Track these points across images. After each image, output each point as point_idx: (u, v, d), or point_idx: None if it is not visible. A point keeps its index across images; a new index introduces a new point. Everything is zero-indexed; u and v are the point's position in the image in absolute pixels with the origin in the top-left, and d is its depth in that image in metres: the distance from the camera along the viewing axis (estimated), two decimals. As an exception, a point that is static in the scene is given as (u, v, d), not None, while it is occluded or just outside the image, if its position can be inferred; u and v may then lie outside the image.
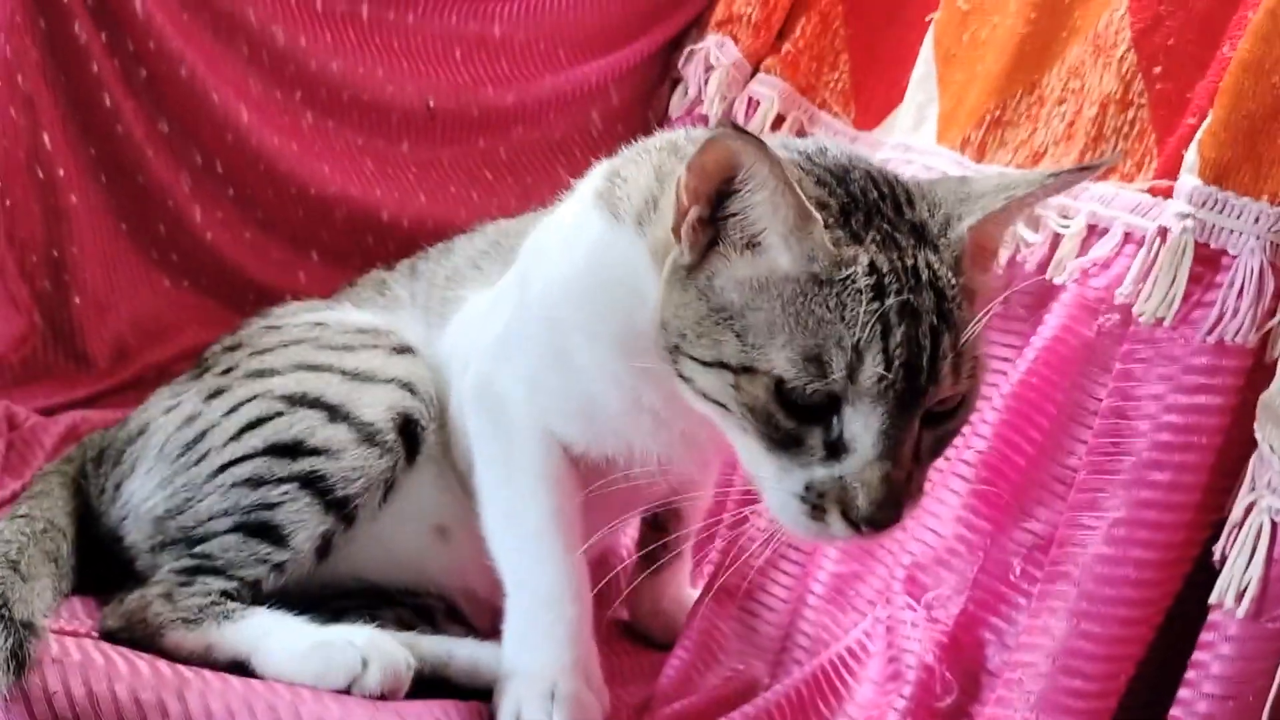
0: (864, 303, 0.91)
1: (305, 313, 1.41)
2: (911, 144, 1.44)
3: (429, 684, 1.16)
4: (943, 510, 1.13)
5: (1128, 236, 1.20)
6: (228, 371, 1.30)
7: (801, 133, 1.83)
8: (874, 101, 1.67)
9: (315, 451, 1.20)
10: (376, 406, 1.23)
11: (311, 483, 1.19)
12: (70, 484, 1.32)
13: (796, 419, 0.93)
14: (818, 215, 0.93)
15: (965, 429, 1.12)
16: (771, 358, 0.93)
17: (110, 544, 1.27)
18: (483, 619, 1.30)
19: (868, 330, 0.91)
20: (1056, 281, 1.24)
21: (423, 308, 1.37)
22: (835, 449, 0.93)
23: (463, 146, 2.03)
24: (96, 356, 1.75)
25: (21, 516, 1.22)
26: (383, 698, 1.09)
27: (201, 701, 1.02)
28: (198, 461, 1.23)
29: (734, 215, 0.96)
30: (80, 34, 1.74)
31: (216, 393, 1.27)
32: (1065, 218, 1.26)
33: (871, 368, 0.91)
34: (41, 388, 1.68)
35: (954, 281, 0.95)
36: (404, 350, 1.31)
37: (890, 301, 0.92)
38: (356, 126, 1.97)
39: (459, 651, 1.21)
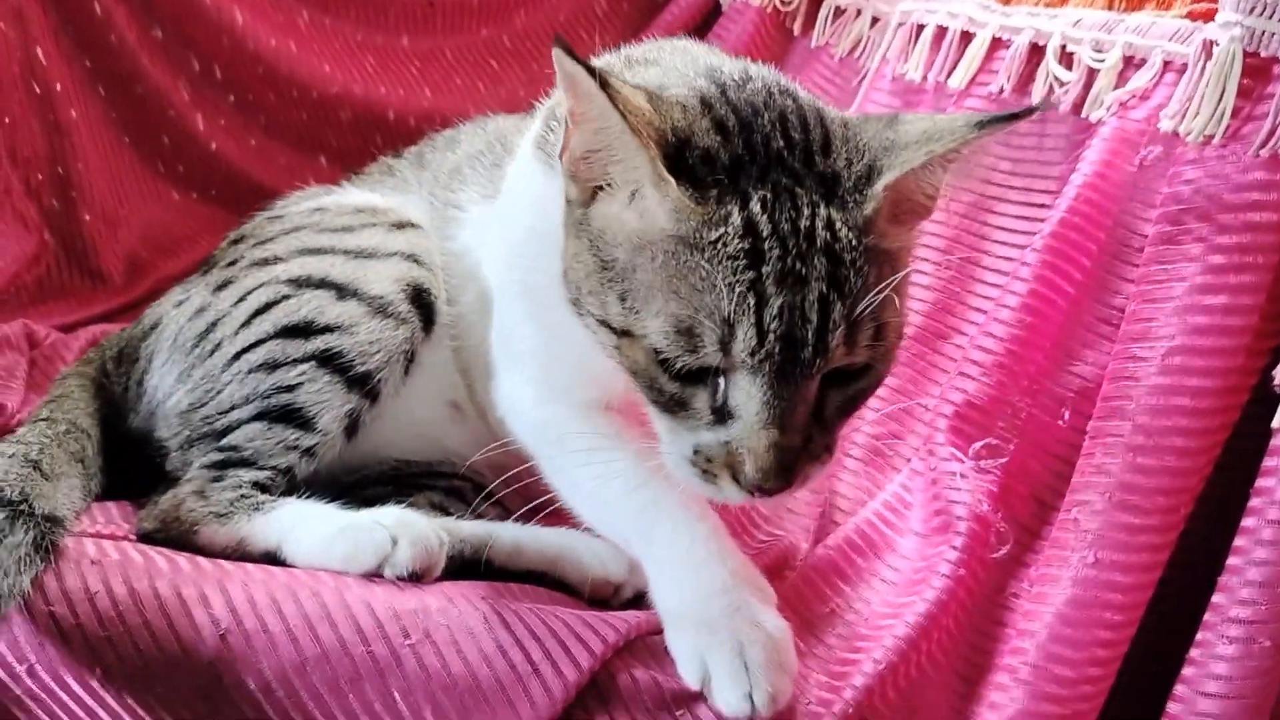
0: (736, 270, 0.85)
1: (305, 200, 1.39)
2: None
3: (473, 568, 1.14)
4: (985, 358, 1.09)
5: (1167, 65, 1.14)
6: (233, 264, 1.29)
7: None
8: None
9: (328, 329, 1.18)
10: (384, 280, 1.21)
11: (329, 360, 1.18)
12: (90, 385, 1.31)
13: (679, 383, 0.89)
14: (669, 177, 0.87)
15: (1005, 272, 1.09)
16: (646, 325, 0.88)
17: (140, 444, 1.26)
18: (513, 496, 1.22)
19: (738, 302, 0.85)
20: (1093, 119, 1.19)
21: (429, 196, 1.33)
22: (721, 414, 0.89)
23: (465, 37, 1.98)
24: (110, 272, 1.72)
25: (43, 420, 1.22)
26: (416, 578, 1.06)
27: (244, 592, 1.00)
28: (212, 352, 1.22)
29: (598, 149, 0.89)
30: (67, -59, 1.69)
31: (224, 284, 1.26)
32: (1099, 51, 1.20)
33: (744, 341, 0.85)
34: (58, 306, 1.66)
35: (857, 242, 0.87)
36: (405, 225, 1.28)
37: (767, 268, 0.85)
38: (355, 21, 1.92)
39: (502, 533, 1.19)
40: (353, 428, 1.19)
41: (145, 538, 1.14)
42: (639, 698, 0.98)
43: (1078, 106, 1.22)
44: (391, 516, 1.09)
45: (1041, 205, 1.19)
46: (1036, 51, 1.28)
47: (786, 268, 0.85)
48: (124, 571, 1.02)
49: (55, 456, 1.14)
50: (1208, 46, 1.03)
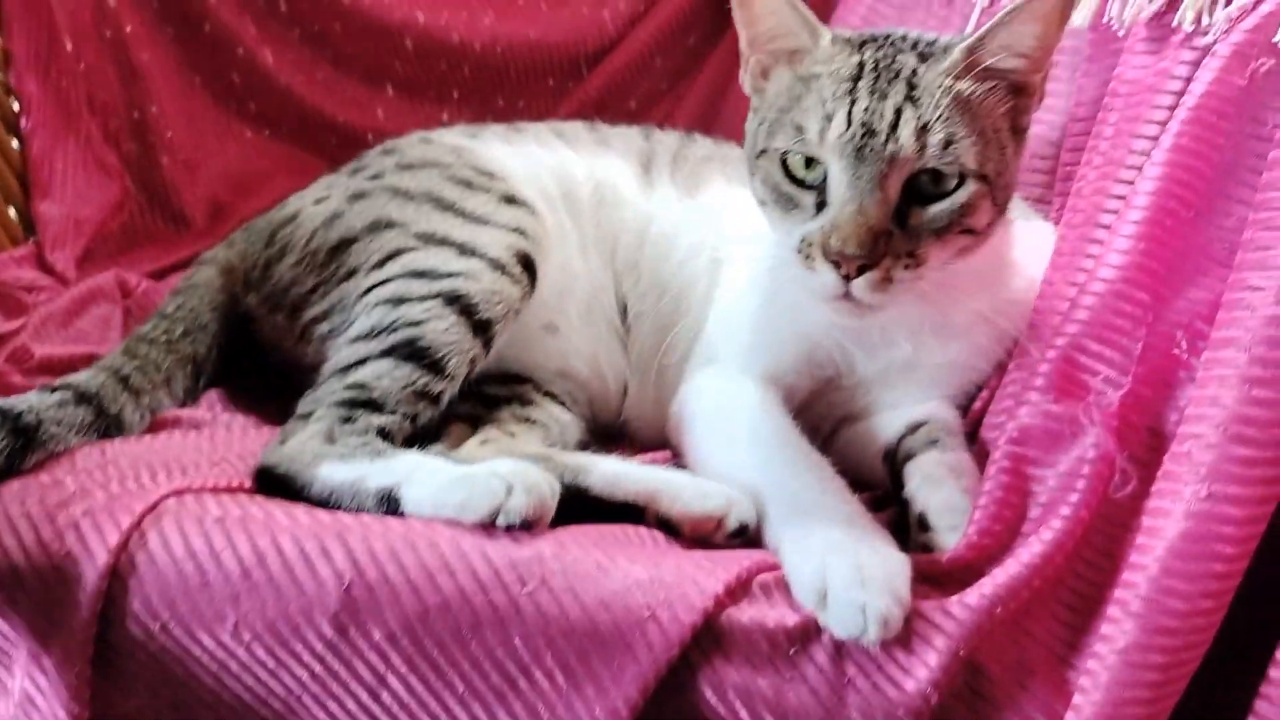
0: (839, 85, 1.14)
1: (453, 136, 1.48)
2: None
3: (569, 502, 1.15)
4: (1101, 288, 1.08)
5: None
6: (375, 177, 1.39)
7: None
8: None
9: (453, 274, 1.25)
10: (497, 245, 1.29)
11: (455, 299, 1.24)
12: (221, 275, 1.43)
13: (794, 183, 1.15)
14: (822, 28, 1.17)
15: (1119, 195, 1.07)
16: (777, 138, 1.16)
17: (250, 318, 1.41)
18: (579, 403, 1.42)
19: (837, 100, 1.13)
20: (1196, 38, 1.15)
21: (642, 163, 1.49)
22: (821, 206, 1.13)
23: (527, -44, 1.95)
24: (193, 215, 1.75)
25: (164, 317, 1.38)
26: (527, 526, 1.07)
27: (365, 545, 1.03)
28: (347, 276, 1.30)
29: (767, 39, 1.19)
30: (125, -125, 1.68)
31: (360, 195, 1.36)
32: None
33: (837, 127, 1.11)
34: (145, 253, 1.68)
35: (935, 81, 1.13)
36: (512, 200, 1.35)
37: (862, 83, 1.13)
38: (416, -54, 1.90)
39: (600, 463, 1.20)
40: (471, 374, 1.25)
41: (267, 470, 1.17)
42: (753, 637, 1.00)
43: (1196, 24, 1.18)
44: (506, 466, 1.10)
45: (1154, 138, 1.16)
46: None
47: (874, 87, 1.13)
48: (246, 528, 1.05)
49: (154, 367, 1.31)
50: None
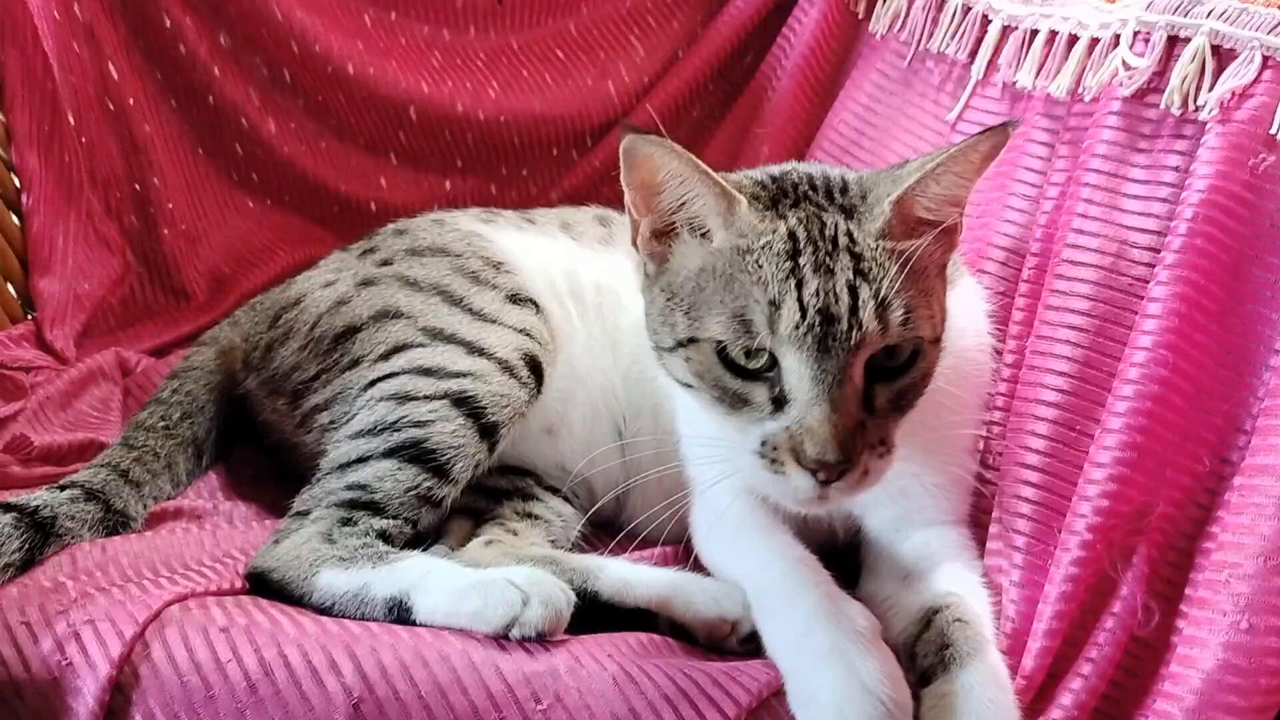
0: (778, 263, 1.03)
1: (467, 220, 1.45)
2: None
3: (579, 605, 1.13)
4: (1121, 405, 1.06)
5: (1266, 61, 1.09)
6: (386, 263, 1.36)
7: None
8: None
9: (461, 374, 1.23)
10: (506, 346, 1.27)
11: (462, 402, 1.21)
12: (218, 357, 1.43)
13: (741, 378, 1.04)
14: (739, 195, 1.06)
15: (1136, 312, 1.06)
16: (709, 325, 1.05)
17: (246, 397, 1.40)
18: (580, 495, 1.38)
19: (781, 285, 1.02)
20: (1185, 125, 1.14)
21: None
22: (779, 402, 1.02)
23: (531, 29, 1.94)
24: (194, 289, 1.72)
25: (163, 403, 1.37)
26: (541, 637, 1.05)
27: (374, 658, 1.01)
28: (350, 366, 1.28)
29: (671, 208, 1.08)
30: (130, -48, 1.67)
31: (368, 282, 1.34)
32: (1176, 38, 1.15)
33: (789, 316, 1.01)
34: (146, 328, 1.66)
35: (875, 245, 1.04)
36: (520, 299, 1.33)
37: (804, 259, 1.03)
38: (420, 18, 1.89)
39: (609, 567, 1.19)
40: (474, 477, 1.23)
41: (261, 575, 1.15)
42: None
43: (1142, 93, 1.17)
44: (521, 574, 1.09)
45: (1153, 249, 1.13)
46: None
47: (818, 261, 1.03)
48: (252, 638, 1.02)
49: (152, 456, 1.30)
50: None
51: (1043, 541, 1.08)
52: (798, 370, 1.01)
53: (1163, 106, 1.14)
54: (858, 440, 1.01)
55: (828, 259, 1.03)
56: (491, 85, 1.92)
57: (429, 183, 1.92)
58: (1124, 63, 1.18)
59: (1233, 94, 1.10)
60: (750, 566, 1.14)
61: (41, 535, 1.11)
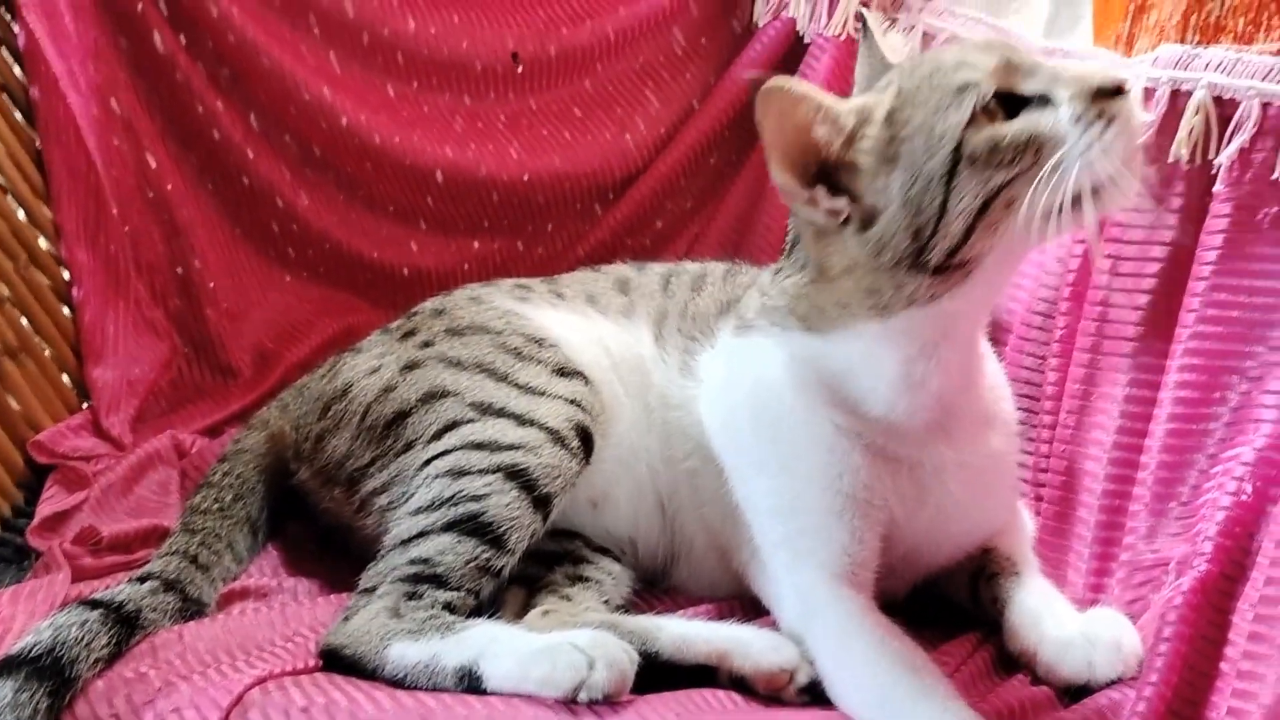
0: (927, 63, 1.13)
1: (502, 297, 1.47)
2: (1069, 48, 1.36)
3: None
4: (1147, 459, 1.09)
5: (1265, 109, 1.13)
6: (427, 345, 1.38)
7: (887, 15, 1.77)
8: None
9: (513, 447, 1.25)
10: (556, 416, 1.29)
11: (516, 474, 1.24)
12: (266, 441, 1.47)
13: (1011, 118, 1.06)
14: (862, 99, 1.15)
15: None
16: (953, 120, 1.07)
17: (299, 489, 1.43)
18: (628, 554, 1.40)
19: (950, 56, 1.12)
20: (1181, 161, 1.18)
21: (656, 329, 1.42)
22: (1045, 103, 1.06)
23: (549, 89, 1.98)
24: (240, 366, 1.77)
25: (214, 486, 1.42)
26: (608, 700, 1.09)
27: (450, 729, 1.04)
28: (405, 449, 1.30)
29: (830, 144, 1.12)
30: (161, 44, 1.73)
31: (412, 365, 1.36)
32: (1179, 91, 1.19)
33: (979, 56, 1.10)
34: (197, 409, 1.71)
35: None
36: (566, 371, 1.34)
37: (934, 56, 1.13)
38: (439, 87, 1.94)
39: (668, 626, 1.22)
40: (529, 546, 1.25)
41: (333, 651, 1.18)
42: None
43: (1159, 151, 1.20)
44: (585, 637, 1.12)
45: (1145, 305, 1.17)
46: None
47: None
48: (332, 716, 1.06)
49: (214, 538, 1.35)
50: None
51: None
52: (1024, 73, 1.08)
53: (1171, 160, 1.18)
54: None
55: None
56: (513, 146, 1.97)
57: (458, 245, 1.96)
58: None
59: (1240, 150, 1.14)
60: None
61: (128, 629, 1.15)
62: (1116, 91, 1.04)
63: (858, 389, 1.18)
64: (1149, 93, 1.22)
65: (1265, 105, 1.14)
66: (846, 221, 1.14)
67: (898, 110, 1.11)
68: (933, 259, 1.09)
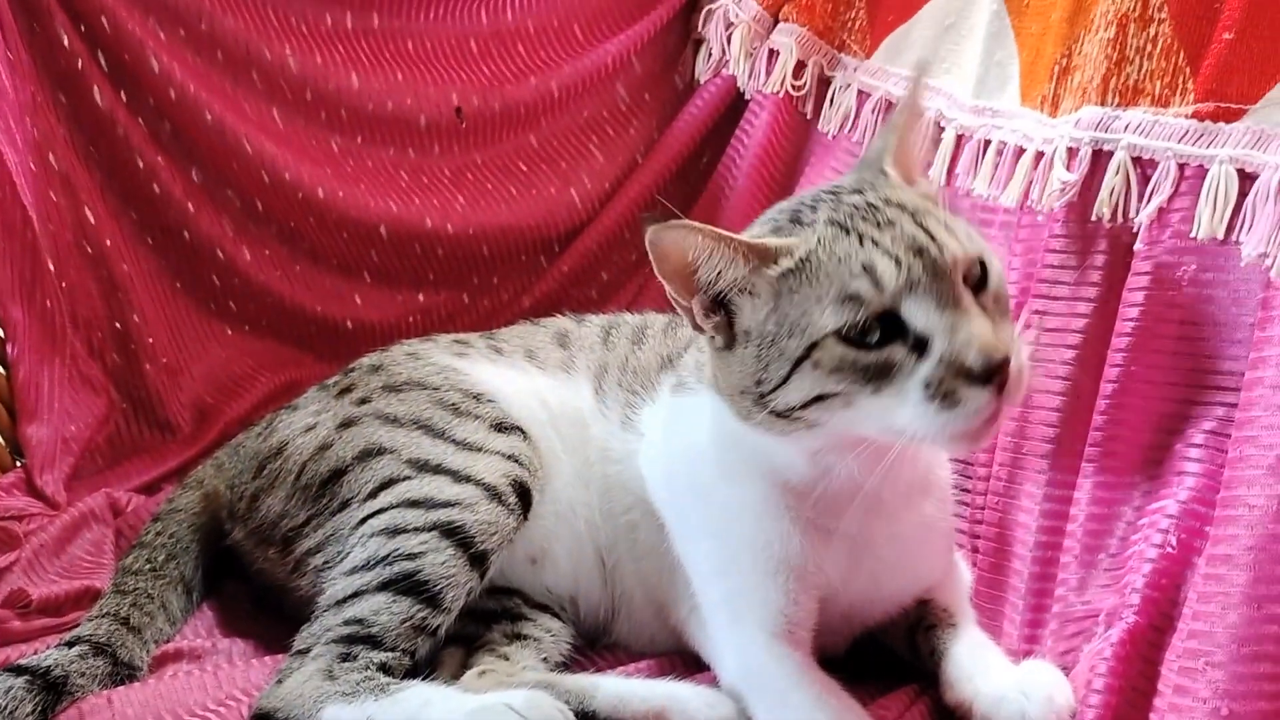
0: (845, 242, 1.07)
1: (440, 352, 1.46)
2: (997, 107, 1.40)
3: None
4: (1076, 511, 1.12)
5: (1182, 170, 1.17)
6: (363, 402, 1.37)
7: (821, 78, 1.82)
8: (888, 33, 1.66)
9: (449, 504, 1.25)
10: (494, 472, 1.29)
11: (452, 533, 1.23)
12: (200, 500, 1.46)
13: (873, 349, 1.04)
14: (767, 243, 1.10)
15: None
16: (821, 322, 1.05)
17: (234, 548, 1.42)
18: (567, 609, 1.39)
19: (861, 251, 1.06)
20: (1105, 221, 1.21)
21: (596, 383, 1.42)
22: (920, 346, 1.03)
23: (493, 144, 1.99)
24: (179, 422, 1.75)
25: (146, 546, 1.40)
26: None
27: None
28: (340, 509, 1.29)
29: (711, 281, 1.10)
30: (100, 99, 1.72)
31: (349, 423, 1.35)
32: (1101, 151, 1.22)
33: (887, 269, 1.04)
34: (134, 465, 1.69)
35: (903, 193, 1.12)
36: (504, 427, 1.34)
37: (862, 228, 1.07)
38: (384, 141, 1.94)
39: (604, 684, 1.22)
40: (465, 605, 1.24)
41: (265, 716, 1.16)
42: None
43: (1078, 209, 1.24)
44: (520, 698, 1.12)
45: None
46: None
47: (876, 221, 1.07)
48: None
49: (146, 598, 1.33)
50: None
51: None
52: (923, 306, 1.03)
53: (1093, 219, 1.22)
54: (999, 332, 1.04)
55: (879, 217, 1.08)
56: (458, 200, 1.97)
57: (403, 297, 1.96)
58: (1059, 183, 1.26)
59: (1159, 210, 1.18)
60: None
61: (54, 695, 1.13)
62: (985, 377, 1.00)
63: (779, 462, 1.19)
64: (1072, 153, 1.25)
65: (1182, 166, 1.18)
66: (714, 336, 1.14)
67: (795, 272, 1.09)
68: (773, 406, 1.09)
